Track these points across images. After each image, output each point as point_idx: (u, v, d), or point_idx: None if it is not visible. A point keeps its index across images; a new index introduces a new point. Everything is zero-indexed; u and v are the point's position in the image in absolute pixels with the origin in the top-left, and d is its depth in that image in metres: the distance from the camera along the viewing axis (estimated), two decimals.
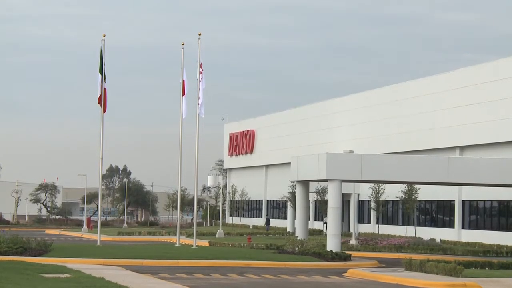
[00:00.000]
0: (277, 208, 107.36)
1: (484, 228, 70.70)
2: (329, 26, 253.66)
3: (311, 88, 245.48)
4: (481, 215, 72.47)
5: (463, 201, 73.72)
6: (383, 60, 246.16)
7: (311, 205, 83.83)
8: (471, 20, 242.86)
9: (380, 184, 73.53)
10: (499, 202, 69.25)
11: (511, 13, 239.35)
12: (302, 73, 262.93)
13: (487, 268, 42.21)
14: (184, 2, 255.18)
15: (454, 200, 74.24)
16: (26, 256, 44.06)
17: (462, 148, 71.96)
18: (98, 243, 57.30)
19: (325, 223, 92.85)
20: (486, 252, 56.87)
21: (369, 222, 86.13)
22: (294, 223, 71.74)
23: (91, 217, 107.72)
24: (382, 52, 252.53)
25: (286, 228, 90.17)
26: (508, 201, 67.91)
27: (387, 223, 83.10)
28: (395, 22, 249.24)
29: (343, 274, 41.44)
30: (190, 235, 64.81)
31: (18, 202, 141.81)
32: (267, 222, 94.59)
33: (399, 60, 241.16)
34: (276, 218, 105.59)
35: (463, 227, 73.55)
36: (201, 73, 57.94)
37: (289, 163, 61.63)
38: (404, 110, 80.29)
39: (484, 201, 71.22)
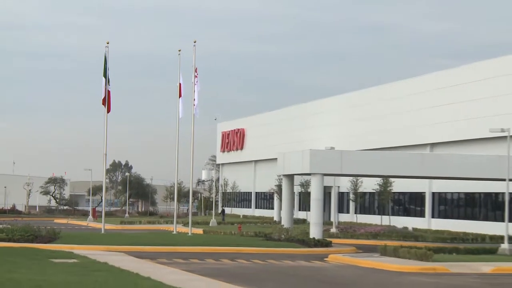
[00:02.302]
0: (265, 199, 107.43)
1: (452, 217, 70.87)
2: (313, 35, 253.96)
3: (297, 91, 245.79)
4: (449, 205, 72.66)
5: (433, 193, 73.90)
6: (363, 65, 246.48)
7: (295, 196, 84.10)
8: (445, 29, 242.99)
9: (358, 177, 73.63)
10: (466, 193, 69.44)
11: (478, 24, 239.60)
12: (288, 77, 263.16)
13: (454, 254, 42.35)
14: (181, 13, 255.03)
15: (425, 192, 74.38)
16: (37, 243, 44.02)
17: (433, 145, 72.11)
18: (103, 231, 57.31)
19: (223, 210, 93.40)
20: (454, 239, 56.92)
21: (348, 212, 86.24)
22: (280, 213, 71.62)
23: (96, 208, 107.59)
24: (362, 58, 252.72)
25: (273, 217, 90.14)
26: (473, 193, 68.10)
27: (365, 213, 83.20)
28: (375, 31, 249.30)
29: (325, 259, 41.49)
30: (186, 224, 64.78)
31: (29, 194, 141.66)
32: (223, 212, 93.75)
33: (377, 65, 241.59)
34: (263, 208, 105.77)
35: (433, 217, 73.71)
36: (196, 77, 57.94)
37: (276, 158, 61.68)
38: (381, 111, 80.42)
39: (452, 193, 71.42)
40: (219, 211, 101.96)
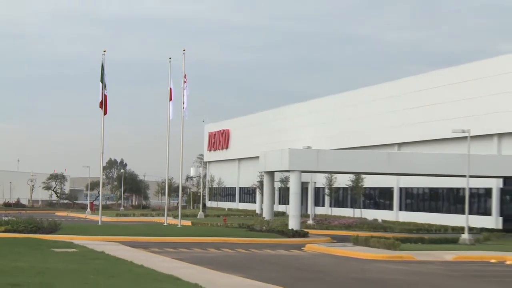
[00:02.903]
0: (248, 194, 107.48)
1: (418, 210, 71.12)
2: (293, 44, 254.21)
3: (278, 95, 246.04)
4: (415, 199, 72.93)
5: (401, 188, 74.15)
6: (337, 72, 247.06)
7: (275, 191, 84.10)
8: (411, 40, 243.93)
9: (333, 174, 73.78)
10: (430, 189, 69.69)
11: (442, 34, 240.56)
12: (270, 82, 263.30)
13: (420, 243, 42.46)
14: (172, 24, 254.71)
15: (393, 187, 74.62)
16: (39, 234, 43.84)
17: (400, 144, 72.33)
18: (100, 223, 57.14)
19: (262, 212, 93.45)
20: (419, 230, 57.11)
21: (323, 205, 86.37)
22: (262, 206, 71.66)
23: (94, 202, 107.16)
24: (337, 65, 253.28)
25: (255, 210, 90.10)
26: (437, 188, 68.37)
27: (338, 206, 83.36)
28: (348, 41, 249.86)
29: (302, 248, 41.56)
30: (175, 217, 64.76)
31: (32, 189, 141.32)
32: (204, 206, 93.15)
33: (350, 72, 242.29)
34: (246, 202, 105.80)
35: (400, 210, 73.96)
36: (185, 82, 57.88)
37: (258, 157, 61.73)
38: (354, 113, 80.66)
39: (418, 188, 71.68)
40: (207, 205, 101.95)
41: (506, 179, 56.83)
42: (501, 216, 59.60)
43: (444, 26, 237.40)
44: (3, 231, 44.68)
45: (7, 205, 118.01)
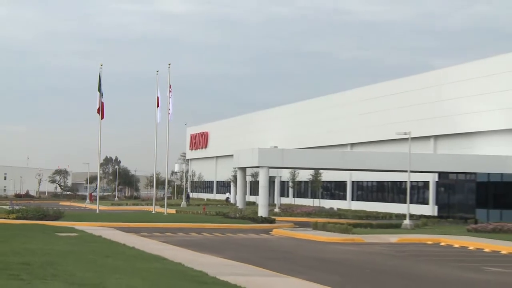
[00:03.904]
0: (224, 186, 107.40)
1: (367, 200, 71.52)
2: (262, 60, 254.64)
3: (249, 102, 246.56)
4: (365, 191, 73.30)
5: (353, 181, 74.52)
6: (300, 82, 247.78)
7: (247, 184, 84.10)
8: (363, 56, 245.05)
9: (296, 169, 73.96)
10: (377, 182, 70.11)
11: (389, 51, 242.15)
12: (243, 92, 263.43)
13: (369, 228, 42.72)
14: (159, 42, 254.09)
15: (346, 181, 74.95)
16: (46, 220, 43.60)
17: (352, 144, 72.70)
18: (97, 211, 56.89)
19: (227, 198, 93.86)
20: (368, 217, 57.30)
21: (288, 196, 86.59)
22: (236, 197, 71.72)
23: (92, 193, 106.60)
24: (300, 77, 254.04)
25: (230, 200, 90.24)
26: (383, 181, 68.79)
27: (300, 197, 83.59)
28: (310, 56, 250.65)
29: (270, 232, 41.63)
30: (162, 206, 64.60)
31: (40, 183, 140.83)
32: (187, 197, 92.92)
33: (311, 83, 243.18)
34: (223, 193, 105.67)
35: (352, 200, 74.32)
36: (170, 91, 57.79)
37: (232, 155, 61.74)
38: (314, 118, 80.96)
39: (367, 181, 72.07)
40: (188, 197, 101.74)
41: (441, 174, 57.25)
42: (436, 205, 60.05)
43: (386, 45, 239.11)
44: (14, 218, 44.38)
45: (18, 196, 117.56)
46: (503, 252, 31.42)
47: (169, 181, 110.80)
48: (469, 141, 56.76)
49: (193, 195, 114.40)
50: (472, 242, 34.36)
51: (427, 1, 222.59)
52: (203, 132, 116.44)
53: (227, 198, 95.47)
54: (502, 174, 52.01)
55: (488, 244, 33.43)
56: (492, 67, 54.50)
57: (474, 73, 56.35)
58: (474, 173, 52.90)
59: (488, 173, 52.35)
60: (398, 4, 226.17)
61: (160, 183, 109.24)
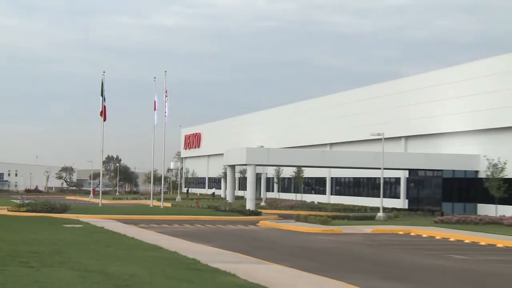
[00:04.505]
0: (215, 182, 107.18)
1: (345, 195, 71.60)
2: (250, 68, 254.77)
3: (238, 106, 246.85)
4: (342, 186, 73.39)
5: (332, 178, 74.59)
6: (284, 88, 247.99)
7: (236, 180, 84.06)
8: (338, 64, 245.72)
9: (280, 167, 73.97)
10: (354, 178, 70.21)
11: (362, 60, 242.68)
12: (233, 96, 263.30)
13: (346, 220, 42.81)
14: (157, 52, 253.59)
15: (326, 177, 75.02)
16: (53, 213, 43.45)
17: (332, 144, 72.75)
18: (100, 205, 56.76)
19: (213, 193, 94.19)
20: (346, 210, 57.42)
21: (273, 191, 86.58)
22: (226, 192, 71.64)
23: (95, 188, 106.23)
24: (283, 83, 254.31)
25: (220, 195, 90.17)
26: (359, 177, 68.90)
27: (284, 192, 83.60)
28: (291, 64, 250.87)
29: (257, 224, 41.68)
30: (159, 200, 64.39)
31: (48, 179, 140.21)
32: (187, 192, 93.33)
33: (293, 88, 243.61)
34: (216, 188, 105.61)
35: (331, 194, 74.40)
36: (166, 96, 57.72)
37: (223, 154, 61.71)
38: (297, 120, 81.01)
39: (345, 177, 72.16)
40: (184, 191, 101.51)
41: (411, 171, 57.47)
42: (407, 198, 60.23)
43: (360, 54, 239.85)
44: (25, 211, 44.21)
45: (28, 191, 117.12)
46: (466, 241, 31.59)
47: (165, 178, 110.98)
48: (436, 141, 56.99)
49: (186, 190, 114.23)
50: (439, 233, 34.53)
51: (395, 16, 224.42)
52: (196, 133, 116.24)
53: (213, 193, 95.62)
54: (465, 171, 52.30)
55: (453, 234, 33.60)
56: (455, 75, 54.75)
57: (440, 80, 56.59)
58: (441, 170, 53.15)
59: (453, 170, 52.60)
60: (369, 18, 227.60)
61: (157, 179, 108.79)
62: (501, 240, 30.50)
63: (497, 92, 49.64)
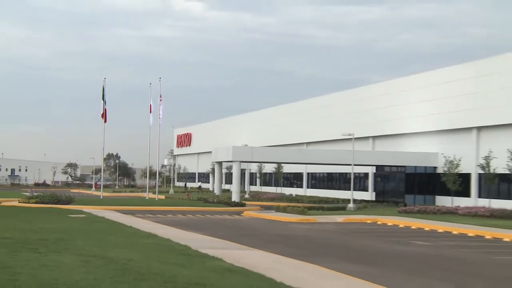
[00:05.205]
0: (204, 177, 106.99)
1: (319, 188, 71.75)
2: (238, 74, 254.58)
3: (224, 109, 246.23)
4: (317, 180, 73.54)
5: (308, 173, 74.71)
6: (266, 93, 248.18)
7: (223, 175, 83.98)
8: (313, 73, 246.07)
9: (262, 163, 74.01)
10: (327, 173, 70.37)
11: (335, 68, 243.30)
12: (220, 100, 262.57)
13: (320, 210, 42.99)
14: (151, 60, 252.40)
15: (303, 172, 75.14)
16: (59, 204, 43.26)
17: (308, 143, 72.87)
18: (101, 197, 56.48)
19: (199, 186, 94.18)
20: (320, 201, 57.56)
21: (256, 184, 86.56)
22: (214, 185, 71.55)
23: (97, 182, 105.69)
24: (266, 89, 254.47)
25: (209, 188, 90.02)
26: (332, 173, 69.05)
27: (266, 185, 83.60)
28: (273, 74, 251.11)
29: (241, 214, 41.63)
30: (154, 192, 64.21)
31: (54, 174, 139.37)
32: (185, 186, 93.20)
33: (274, 94, 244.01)
34: (203, 182, 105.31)
35: (307, 187, 74.51)
36: (161, 100, 57.63)
37: (211, 151, 61.60)
38: (277, 122, 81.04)
39: (319, 172, 72.30)
40: (186, 186, 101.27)
41: (378, 167, 57.71)
42: (374, 191, 60.49)
43: (336, 63, 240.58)
44: (34, 202, 43.95)
45: (36, 185, 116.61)
46: (426, 229, 31.78)
47: (159, 173, 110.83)
48: (400, 141, 57.28)
49: (178, 183, 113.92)
50: (402, 221, 34.70)
51: (366, 31, 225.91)
52: (187, 133, 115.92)
53: (199, 186, 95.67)
54: (425, 167, 52.62)
55: (414, 223, 33.78)
56: (417, 82, 55.05)
57: (404, 86, 56.87)
58: (404, 166, 53.42)
59: (415, 166, 52.90)
60: (344, 32, 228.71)
61: (152, 174, 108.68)
62: (456, 228, 30.73)
63: (453, 97, 50.00)
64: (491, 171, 42.47)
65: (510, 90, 44.62)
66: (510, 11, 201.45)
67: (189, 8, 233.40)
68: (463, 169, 47.01)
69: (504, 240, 26.69)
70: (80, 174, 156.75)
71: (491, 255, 20.84)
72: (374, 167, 59.44)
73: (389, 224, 34.55)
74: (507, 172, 41.03)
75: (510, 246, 24.30)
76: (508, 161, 40.45)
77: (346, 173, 64.36)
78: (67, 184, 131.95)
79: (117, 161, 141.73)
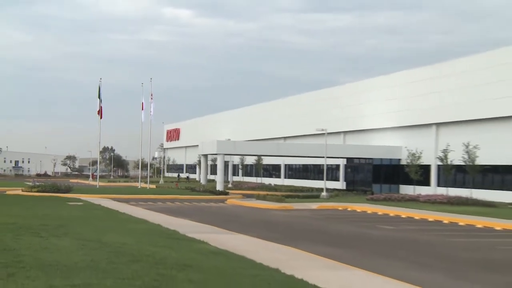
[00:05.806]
0: (192, 168, 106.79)
1: (295, 178, 71.95)
2: (223, 74, 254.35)
3: (209, 106, 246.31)
4: (294, 171, 73.73)
5: (285, 165, 74.88)
6: (248, 93, 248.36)
7: (208, 166, 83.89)
8: (292, 75, 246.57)
9: (244, 156, 73.99)
10: (303, 165, 70.60)
11: (314, 69, 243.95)
12: (205, 99, 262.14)
13: (296, 198, 43.07)
14: (143, 61, 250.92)
15: (280, 164, 75.28)
16: (59, 193, 42.85)
17: (285, 138, 73.00)
18: (97, 186, 56.02)
19: (187, 176, 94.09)
20: (296, 190, 57.66)
21: (238, 175, 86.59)
22: (200, 176, 71.37)
23: (94, 173, 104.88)
24: (248, 89, 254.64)
25: (196, 178, 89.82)
26: (307, 164, 69.29)
27: (248, 176, 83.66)
28: (256, 73, 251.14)
29: (225, 202, 41.59)
30: (146, 182, 63.90)
31: (55, 165, 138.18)
32: (178, 176, 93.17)
33: (255, 93, 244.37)
34: (191, 173, 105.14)
35: (285, 178, 74.68)
36: (152, 98, 57.17)
37: (198, 145, 61.43)
38: (257, 118, 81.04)
39: (296, 164, 72.51)
40: (183, 176, 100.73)
41: (348, 159, 58.01)
42: (345, 181, 60.83)
43: (309, 66, 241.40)
44: (36, 191, 43.50)
45: (38, 175, 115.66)
46: (391, 214, 32.03)
47: (151, 164, 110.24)
48: (368, 136, 57.62)
49: (168, 174, 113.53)
50: (370, 208, 34.93)
51: (336, 36, 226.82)
52: (176, 128, 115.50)
53: (187, 176, 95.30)
54: (390, 159, 53.02)
55: (380, 209, 34.03)
56: (382, 83, 55.38)
57: (371, 87, 57.17)
58: (371, 159, 53.79)
59: (381, 159, 53.27)
60: (316, 38, 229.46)
61: (144, 166, 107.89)
62: (417, 214, 31.01)
63: (415, 97, 50.40)
64: (449, 162, 42.93)
65: (465, 90, 45.11)
66: (466, 19, 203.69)
67: (178, 15, 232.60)
68: (424, 161, 47.47)
69: (459, 224, 27.03)
70: (78, 166, 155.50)
71: (448, 238, 21.09)
72: (345, 159, 59.75)
73: (358, 210, 34.77)
74: (462, 163, 41.52)
75: (465, 230, 24.62)
76: (464, 154, 40.93)
77: (320, 165, 64.65)
78: (66, 175, 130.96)
79: (112, 153, 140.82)
